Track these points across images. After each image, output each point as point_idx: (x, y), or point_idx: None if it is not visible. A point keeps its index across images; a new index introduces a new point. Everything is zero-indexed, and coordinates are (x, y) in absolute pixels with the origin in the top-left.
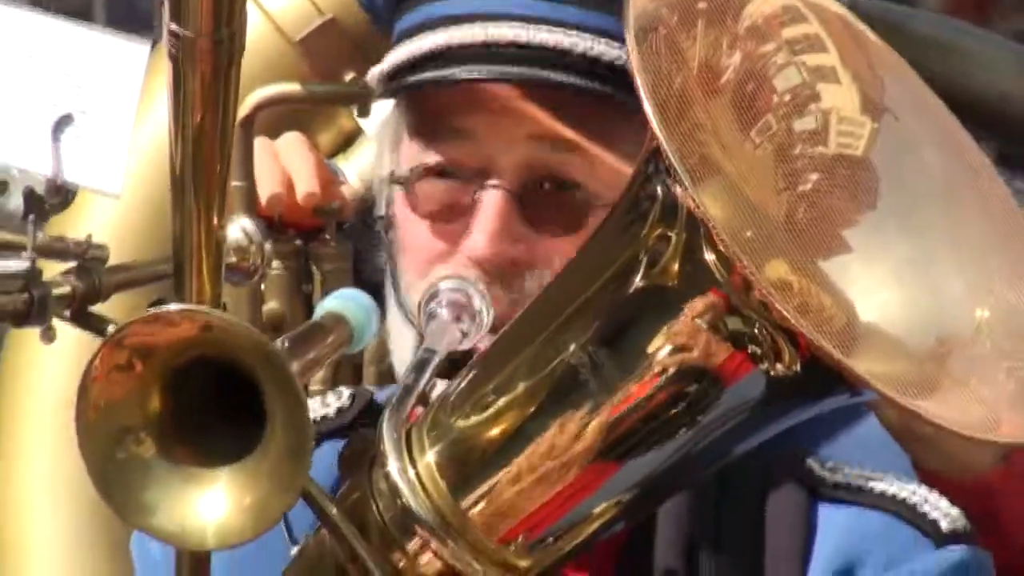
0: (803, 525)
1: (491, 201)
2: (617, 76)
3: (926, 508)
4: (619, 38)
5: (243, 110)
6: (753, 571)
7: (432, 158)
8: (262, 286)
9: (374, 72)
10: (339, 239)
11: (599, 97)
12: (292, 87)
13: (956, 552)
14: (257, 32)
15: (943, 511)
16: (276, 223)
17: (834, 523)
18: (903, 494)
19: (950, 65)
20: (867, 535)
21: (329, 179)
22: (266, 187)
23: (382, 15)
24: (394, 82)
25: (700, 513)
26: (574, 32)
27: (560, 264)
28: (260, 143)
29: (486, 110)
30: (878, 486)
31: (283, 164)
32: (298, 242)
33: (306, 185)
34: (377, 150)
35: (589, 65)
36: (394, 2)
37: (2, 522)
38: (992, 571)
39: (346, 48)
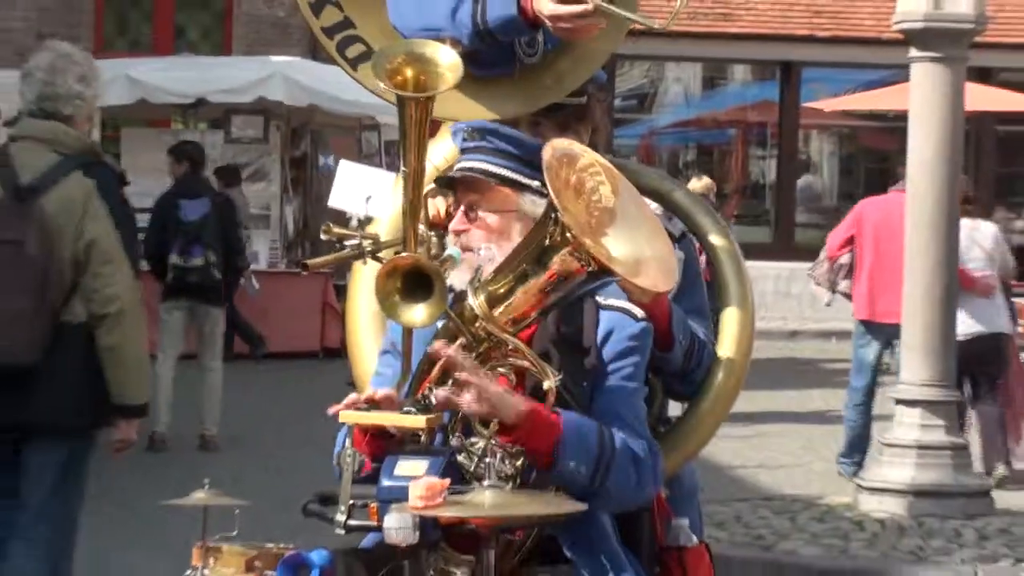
0: (595, 318)
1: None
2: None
3: (634, 310)
4: (494, 163)
5: (427, 190)
6: (580, 336)
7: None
8: (432, 244)
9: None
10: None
11: (491, 179)
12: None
13: (644, 323)
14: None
15: (638, 312)
16: (438, 225)
17: (605, 317)
18: (627, 306)
19: (645, 180)
20: (614, 321)
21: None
22: (431, 213)
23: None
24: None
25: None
26: (480, 161)
27: (478, 237)
28: (430, 201)
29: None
30: (620, 304)
31: (437, 206)
32: (443, 231)
33: (444, 211)
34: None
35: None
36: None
37: (356, 328)
38: (652, 334)
39: None
